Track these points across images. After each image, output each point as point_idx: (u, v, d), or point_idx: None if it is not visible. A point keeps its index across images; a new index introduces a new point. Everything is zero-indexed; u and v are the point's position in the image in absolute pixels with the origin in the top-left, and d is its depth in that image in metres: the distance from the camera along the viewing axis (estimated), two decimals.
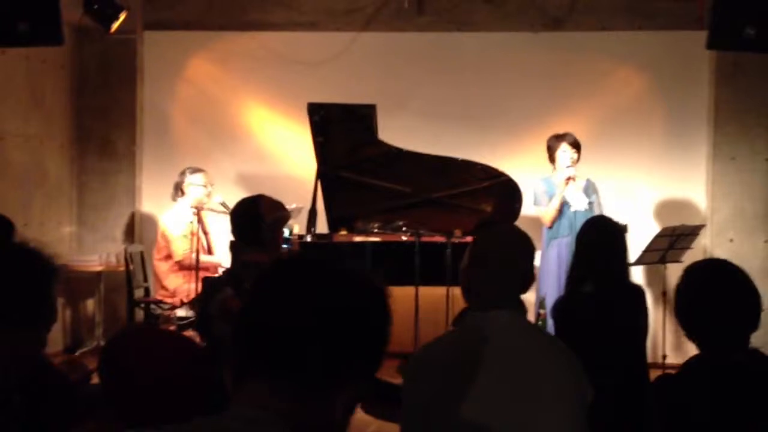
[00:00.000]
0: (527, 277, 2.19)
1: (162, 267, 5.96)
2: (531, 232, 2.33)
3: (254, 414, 1.07)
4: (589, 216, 5.17)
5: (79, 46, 6.75)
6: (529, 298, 5.41)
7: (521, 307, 2.17)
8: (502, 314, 2.08)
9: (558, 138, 5.62)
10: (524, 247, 2.21)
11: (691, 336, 2.14)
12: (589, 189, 5.66)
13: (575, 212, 5.52)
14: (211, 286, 3.44)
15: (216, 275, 5.57)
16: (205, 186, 5.95)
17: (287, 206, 3.75)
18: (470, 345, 2.06)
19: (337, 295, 1.12)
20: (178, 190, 5.99)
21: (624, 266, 3.62)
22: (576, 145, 5.58)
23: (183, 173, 6.00)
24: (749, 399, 2.01)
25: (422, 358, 2.16)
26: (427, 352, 2.17)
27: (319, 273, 1.15)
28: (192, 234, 5.71)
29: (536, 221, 5.70)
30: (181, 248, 5.83)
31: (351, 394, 1.13)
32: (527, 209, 5.78)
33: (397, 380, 3.60)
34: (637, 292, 3.60)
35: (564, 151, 5.56)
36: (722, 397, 2.02)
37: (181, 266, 5.86)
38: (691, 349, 2.20)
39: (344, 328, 1.11)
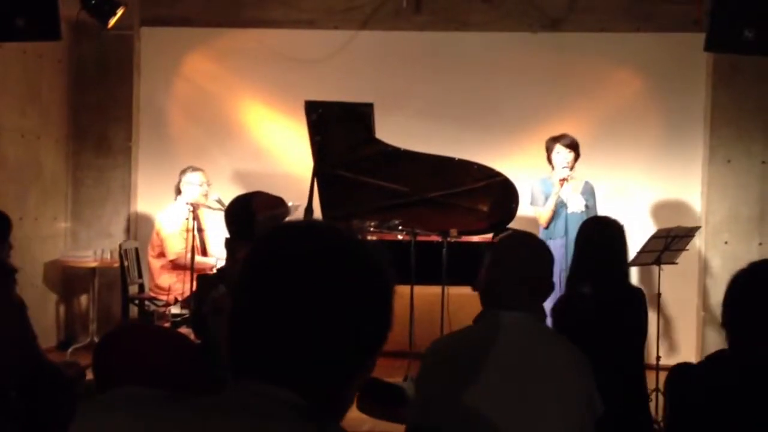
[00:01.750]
0: (546, 284, 2.23)
1: (155, 264, 5.99)
2: None
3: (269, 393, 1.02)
4: (585, 218, 5.18)
5: (77, 42, 6.73)
6: None
7: (540, 312, 2.21)
8: (518, 317, 2.11)
9: (554, 139, 5.65)
10: (543, 254, 2.27)
11: (729, 327, 2.10)
12: (587, 191, 5.68)
13: (571, 214, 5.54)
14: (206, 283, 3.44)
15: (211, 273, 5.57)
16: (200, 185, 5.94)
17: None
18: (485, 344, 2.09)
19: (331, 284, 1.05)
20: (177, 190, 6.02)
21: (624, 267, 3.62)
22: (572, 147, 5.59)
23: (181, 173, 6.02)
24: (764, 405, 1.98)
25: (437, 351, 2.19)
26: (443, 346, 2.21)
27: (312, 258, 1.07)
28: (187, 231, 5.70)
29: (532, 222, 5.70)
30: (174, 247, 5.85)
31: (360, 382, 1.09)
32: (525, 209, 5.79)
33: (392, 379, 3.60)
34: (637, 294, 3.60)
35: (558, 152, 5.58)
36: (745, 393, 2.00)
37: (175, 265, 5.87)
38: (685, 351, 2.19)
39: (342, 316, 1.05)
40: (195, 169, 6.00)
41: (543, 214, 5.60)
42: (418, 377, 2.17)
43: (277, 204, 3.44)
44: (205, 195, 5.97)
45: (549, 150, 5.66)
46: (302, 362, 1.03)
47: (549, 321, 3.64)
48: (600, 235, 3.57)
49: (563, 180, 5.51)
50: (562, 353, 2.10)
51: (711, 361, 2.12)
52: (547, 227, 5.61)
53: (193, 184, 5.94)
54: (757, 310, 2.05)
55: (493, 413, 1.96)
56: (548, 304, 3.76)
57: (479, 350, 2.07)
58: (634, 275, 6.27)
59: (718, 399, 2.01)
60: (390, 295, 1.11)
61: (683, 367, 2.18)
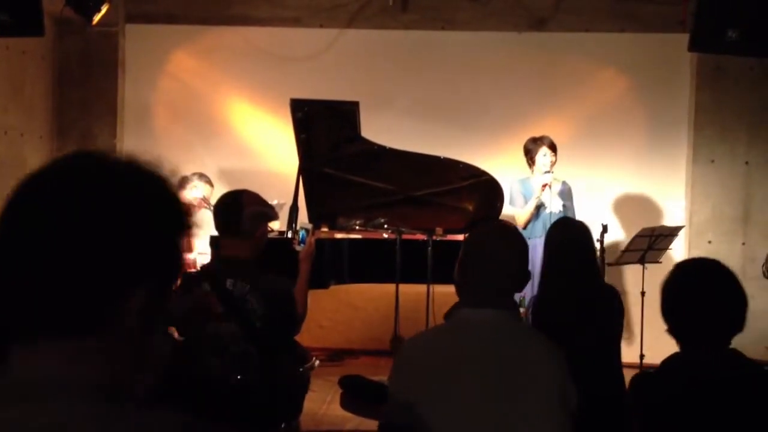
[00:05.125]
0: (521, 275, 2.19)
1: None
2: None
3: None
4: None
5: (61, 38, 6.69)
6: None
7: (513, 306, 2.18)
8: (491, 312, 2.09)
9: (536, 141, 5.65)
10: (517, 245, 2.21)
11: (673, 332, 2.14)
12: (565, 193, 5.70)
13: (550, 214, 5.55)
14: (189, 281, 3.42)
15: (194, 270, 5.55)
16: (201, 195, 5.86)
17: (269, 202, 3.74)
18: (458, 342, 2.07)
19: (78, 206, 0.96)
20: (183, 183, 5.89)
21: (593, 264, 3.63)
22: (554, 148, 5.62)
23: (195, 174, 5.87)
24: (725, 401, 2.02)
25: (410, 352, 2.17)
26: (415, 346, 2.18)
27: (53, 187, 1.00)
28: None
29: (511, 220, 5.71)
30: None
31: (142, 301, 0.97)
32: (505, 209, 5.80)
33: (378, 377, 3.60)
34: (611, 292, 3.61)
35: (544, 154, 5.60)
36: (698, 397, 2.02)
37: None
38: (669, 349, 2.21)
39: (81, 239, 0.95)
40: (207, 180, 5.91)
41: (522, 215, 5.61)
42: (390, 378, 2.13)
43: (265, 203, 3.46)
44: (196, 205, 5.91)
45: (532, 151, 5.66)
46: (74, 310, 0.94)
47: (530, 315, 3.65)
48: (566, 232, 3.59)
49: (545, 185, 5.52)
50: (535, 347, 2.09)
51: (665, 366, 2.14)
52: (525, 228, 5.63)
53: (198, 189, 5.89)
54: (695, 313, 2.09)
55: (468, 412, 1.96)
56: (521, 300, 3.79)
57: (452, 350, 2.05)
58: (619, 274, 6.30)
59: (677, 402, 2.03)
60: (155, 220, 1.01)
61: (642, 375, 2.21)
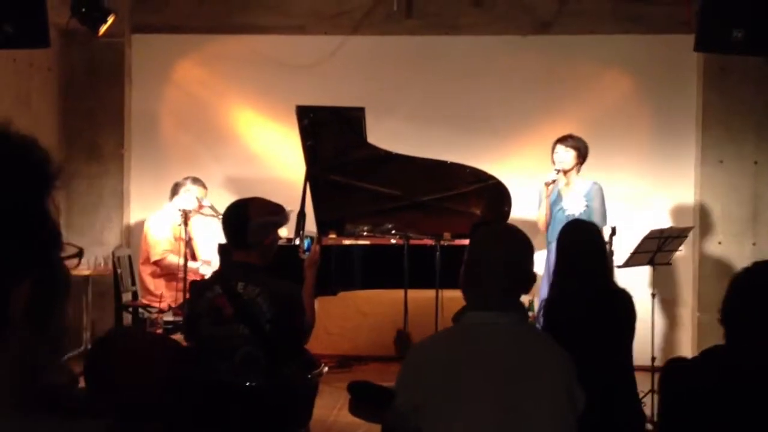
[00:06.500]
0: (527, 277, 2.17)
1: (143, 270, 6.00)
2: (530, 236, 2.30)
3: None
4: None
5: (67, 49, 6.72)
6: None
7: (520, 309, 2.16)
8: (498, 315, 2.07)
9: (556, 140, 5.63)
10: (522, 247, 2.19)
11: (727, 325, 2.10)
12: (590, 193, 5.60)
13: (569, 216, 5.50)
14: (198, 287, 3.43)
15: (202, 279, 5.55)
16: (198, 200, 5.90)
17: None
18: (464, 345, 2.06)
19: None
20: (177, 188, 5.96)
21: (603, 266, 3.61)
22: (572, 146, 5.54)
23: (187, 178, 5.99)
24: (759, 397, 1.99)
25: (417, 355, 2.16)
26: (423, 349, 2.17)
27: None
28: (176, 239, 5.70)
29: (531, 225, 5.67)
30: (157, 249, 5.85)
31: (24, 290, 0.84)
32: (527, 212, 5.79)
33: (386, 383, 3.58)
34: (622, 294, 3.59)
35: (557, 152, 5.58)
36: (733, 389, 2.00)
37: (159, 267, 5.88)
38: (680, 352, 2.19)
39: None
40: (200, 182, 5.99)
41: (538, 217, 5.61)
42: (398, 383, 2.11)
43: (274, 210, 3.40)
44: (197, 209, 5.95)
45: (552, 151, 5.64)
46: None
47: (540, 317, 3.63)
48: (577, 235, 3.58)
49: (548, 183, 5.50)
50: (542, 350, 2.08)
51: (706, 356, 2.12)
52: (546, 230, 5.60)
53: (191, 193, 5.93)
54: (757, 309, 2.06)
55: (474, 415, 1.95)
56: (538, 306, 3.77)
57: (458, 353, 2.04)
58: (629, 276, 6.27)
59: (712, 394, 2.01)
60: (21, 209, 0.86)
61: (677, 361, 2.17)
